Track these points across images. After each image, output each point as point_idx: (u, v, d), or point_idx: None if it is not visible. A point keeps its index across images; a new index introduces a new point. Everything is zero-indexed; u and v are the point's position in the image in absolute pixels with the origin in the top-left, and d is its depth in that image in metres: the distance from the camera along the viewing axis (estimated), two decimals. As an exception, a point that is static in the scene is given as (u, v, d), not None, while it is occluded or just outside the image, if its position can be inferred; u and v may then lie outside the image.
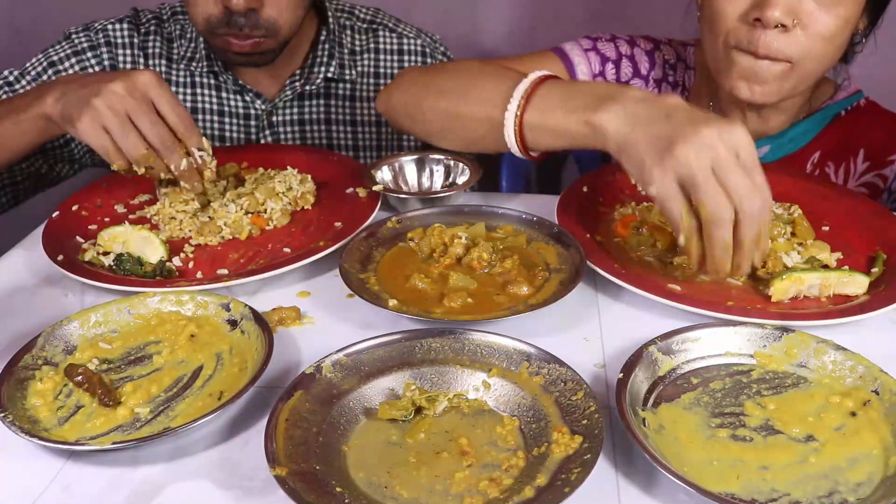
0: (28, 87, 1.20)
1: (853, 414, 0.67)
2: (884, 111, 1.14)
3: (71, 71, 1.24)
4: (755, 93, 1.00)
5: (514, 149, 0.91)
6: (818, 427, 0.66)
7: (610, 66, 1.19)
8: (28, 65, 1.24)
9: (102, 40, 1.27)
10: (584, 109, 0.82)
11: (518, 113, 0.87)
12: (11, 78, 1.21)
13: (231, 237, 0.97)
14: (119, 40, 1.28)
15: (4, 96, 1.18)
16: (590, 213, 1.00)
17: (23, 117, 0.97)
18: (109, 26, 1.28)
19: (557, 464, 0.60)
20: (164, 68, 1.29)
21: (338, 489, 0.58)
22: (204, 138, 0.95)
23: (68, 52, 1.25)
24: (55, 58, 1.24)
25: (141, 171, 0.92)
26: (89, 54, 1.26)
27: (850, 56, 1.08)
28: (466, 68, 1.01)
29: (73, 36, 1.26)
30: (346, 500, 0.57)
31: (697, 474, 0.60)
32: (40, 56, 1.25)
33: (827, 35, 0.95)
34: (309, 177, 1.07)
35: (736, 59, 0.99)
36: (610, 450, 0.65)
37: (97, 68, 1.26)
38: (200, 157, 0.95)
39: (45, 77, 1.22)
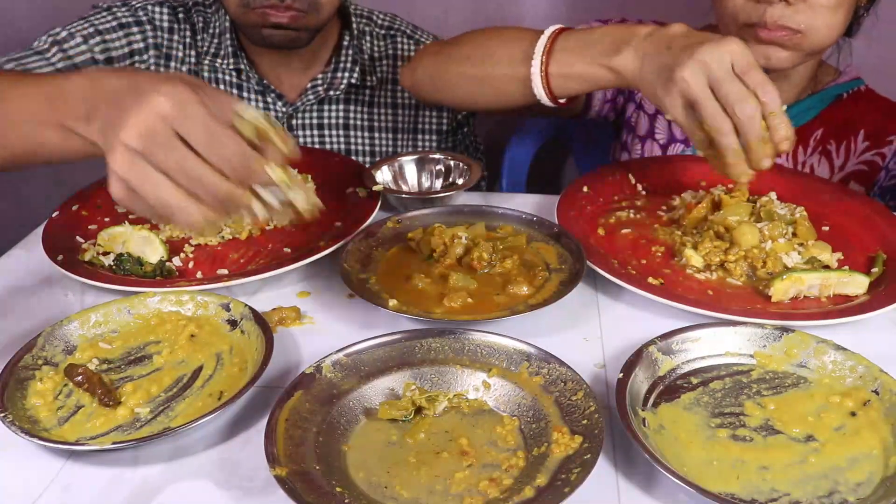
0: (81, 48, 1.18)
1: (853, 414, 0.67)
2: (882, 97, 1.21)
3: (118, 44, 1.22)
4: (771, 59, 1.06)
5: (544, 99, 0.99)
6: (818, 427, 0.66)
7: None
8: (71, 26, 1.20)
9: (144, 18, 1.24)
10: (602, 55, 0.91)
11: (543, 66, 0.96)
12: (60, 38, 1.17)
13: (231, 237, 0.97)
14: (158, 22, 1.26)
15: (59, 54, 1.16)
16: (590, 213, 1.01)
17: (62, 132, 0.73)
18: (150, 7, 1.25)
19: (557, 464, 0.60)
20: (193, 59, 1.27)
21: (338, 489, 0.58)
22: (274, 167, 0.65)
23: (113, 24, 1.22)
24: (101, 27, 1.21)
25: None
26: (135, 29, 1.24)
27: (854, 30, 1.13)
28: (484, 35, 1.08)
29: (114, 9, 1.23)
30: (346, 500, 0.57)
31: (697, 474, 0.60)
32: (81, 21, 1.21)
33: (827, 5, 1.01)
34: (309, 177, 1.07)
35: (749, 37, 1.05)
36: (610, 450, 0.64)
37: (141, 45, 1.24)
38: (273, 193, 0.66)
39: (92, 42, 1.19)
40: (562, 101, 1.00)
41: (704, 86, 0.81)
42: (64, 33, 1.18)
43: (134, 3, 1.25)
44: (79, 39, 1.18)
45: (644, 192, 1.07)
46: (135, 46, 1.24)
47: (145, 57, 1.25)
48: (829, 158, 1.18)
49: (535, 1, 1.73)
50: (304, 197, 0.68)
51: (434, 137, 1.40)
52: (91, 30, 1.20)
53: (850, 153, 1.18)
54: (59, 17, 1.28)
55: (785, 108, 0.82)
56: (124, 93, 0.65)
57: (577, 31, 0.97)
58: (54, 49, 1.17)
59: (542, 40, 0.96)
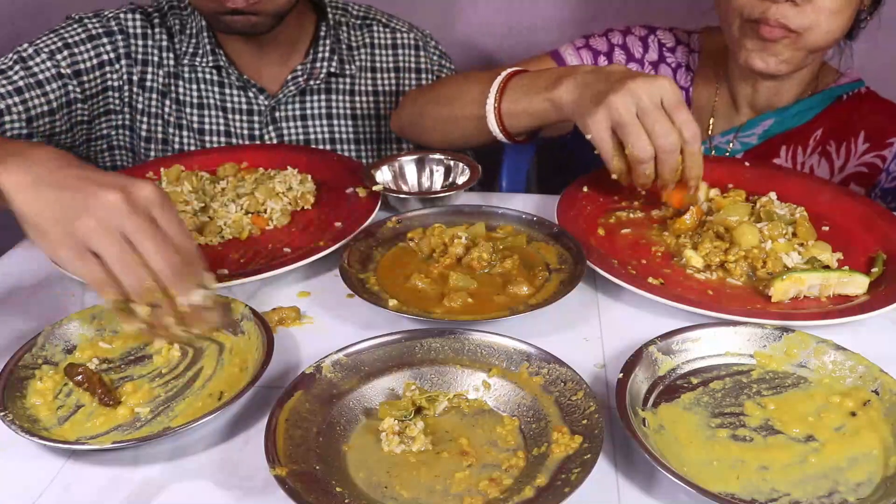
0: (46, 64, 1.16)
1: (853, 414, 0.67)
2: (883, 99, 1.20)
3: (86, 56, 1.21)
4: (769, 64, 1.07)
5: (499, 135, 1.04)
6: (818, 427, 0.66)
7: (602, 58, 1.25)
8: (39, 41, 1.18)
9: (116, 27, 1.24)
10: (545, 90, 0.96)
11: (495, 105, 1.02)
12: (25, 55, 1.16)
13: (231, 237, 0.97)
14: (131, 30, 1.26)
15: (21, 72, 1.15)
16: (590, 213, 1.01)
17: None
18: (122, 15, 1.26)
19: (557, 464, 0.60)
20: (172, 62, 1.28)
21: (338, 489, 0.59)
22: (209, 275, 0.72)
23: (83, 35, 1.21)
24: (69, 40, 1.20)
25: (142, 309, 0.68)
26: (105, 40, 1.23)
27: (854, 32, 1.14)
28: (455, 79, 1.16)
29: (86, 20, 1.23)
30: (346, 500, 0.57)
31: (697, 474, 0.60)
32: (50, 34, 1.20)
33: (833, 9, 1.02)
34: (309, 177, 1.07)
35: (751, 31, 1.06)
36: (610, 450, 0.65)
37: (112, 55, 1.24)
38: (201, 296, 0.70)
39: (59, 57, 1.18)
40: (518, 137, 1.05)
41: (632, 112, 0.87)
42: (31, 50, 1.17)
43: (107, 13, 1.25)
44: (44, 56, 1.17)
45: (643, 192, 1.07)
46: (104, 57, 1.23)
47: (117, 66, 1.25)
48: (828, 159, 1.19)
49: (539, 4, 1.73)
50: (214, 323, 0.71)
51: None
52: (60, 43, 1.19)
53: (851, 154, 1.17)
54: (58, 16, 1.27)
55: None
56: (75, 176, 0.67)
57: (530, 72, 1.03)
58: (17, 67, 1.15)
59: (497, 81, 1.02)
